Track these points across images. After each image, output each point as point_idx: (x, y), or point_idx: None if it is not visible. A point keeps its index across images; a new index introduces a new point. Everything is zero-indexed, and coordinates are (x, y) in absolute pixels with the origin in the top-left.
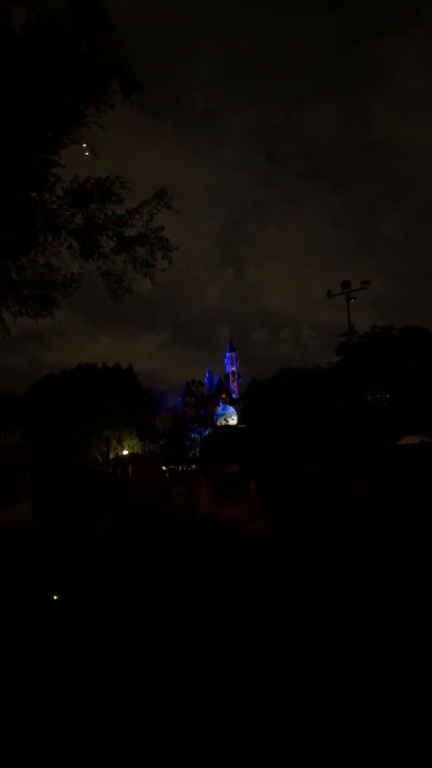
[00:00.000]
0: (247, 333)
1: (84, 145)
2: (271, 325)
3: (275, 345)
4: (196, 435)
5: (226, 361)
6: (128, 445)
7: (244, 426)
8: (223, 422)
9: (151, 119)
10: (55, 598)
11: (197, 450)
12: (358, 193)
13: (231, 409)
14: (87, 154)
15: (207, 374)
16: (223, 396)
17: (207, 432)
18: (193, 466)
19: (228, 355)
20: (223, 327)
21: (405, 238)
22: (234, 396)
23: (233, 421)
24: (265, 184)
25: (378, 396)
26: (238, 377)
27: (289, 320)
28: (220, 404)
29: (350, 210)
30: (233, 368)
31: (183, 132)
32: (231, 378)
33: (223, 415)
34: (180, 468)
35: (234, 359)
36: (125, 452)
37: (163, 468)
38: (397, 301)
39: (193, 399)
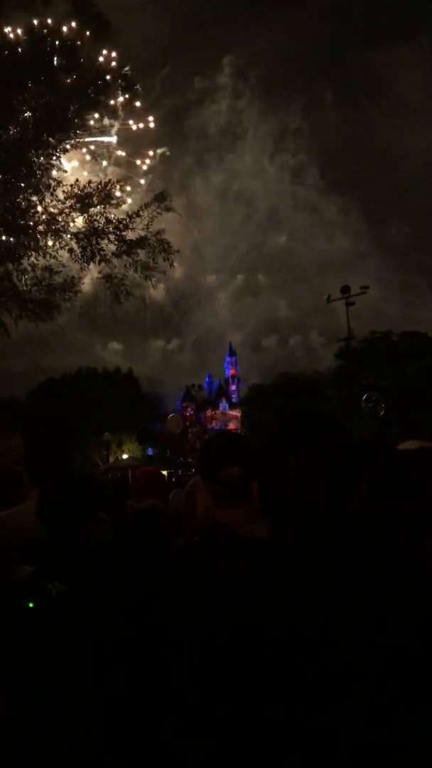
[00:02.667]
0: (250, 337)
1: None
2: (273, 330)
3: (275, 349)
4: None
5: (225, 366)
6: (128, 449)
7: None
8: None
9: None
10: (30, 605)
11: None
12: (365, 200)
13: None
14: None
15: (207, 378)
16: (223, 400)
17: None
18: (193, 470)
19: (228, 359)
20: (224, 331)
21: (408, 244)
22: (233, 400)
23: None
24: (272, 191)
25: (371, 405)
26: (238, 381)
27: (291, 325)
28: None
29: (356, 216)
30: (233, 372)
31: (189, 138)
32: (231, 382)
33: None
34: (179, 472)
35: (234, 363)
36: (125, 456)
37: (164, 472)
38: (397, 306)
39: (192, 403)
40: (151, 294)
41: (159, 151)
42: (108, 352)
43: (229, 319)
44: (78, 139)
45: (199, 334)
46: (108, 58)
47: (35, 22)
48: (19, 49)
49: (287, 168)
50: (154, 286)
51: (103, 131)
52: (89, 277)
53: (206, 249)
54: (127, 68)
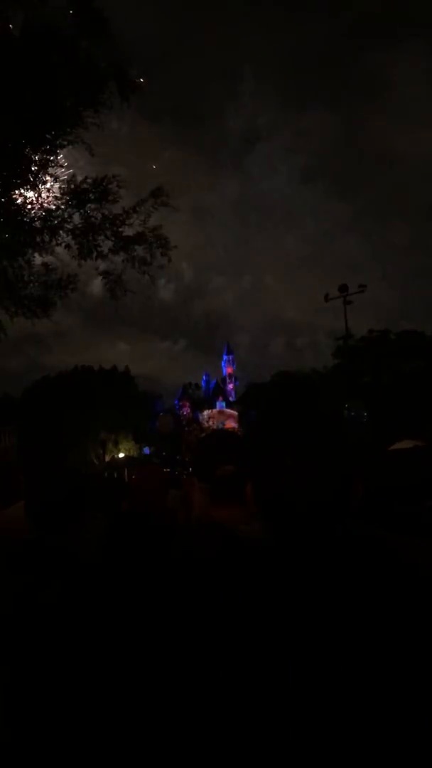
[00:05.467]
0: (256, 338)
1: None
2: (272, 329)
3: (281, 349)
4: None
5: (223, 364)
6: (124, 448)
7: (239, 429)
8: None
9: (154, 124)
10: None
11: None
12: (365, 202)
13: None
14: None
15: (204, 377)
16: (220, 398)
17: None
18: (190, 469)
19: (225, 357)
20: (231, 331)
21: (408, 244)
22: (231, 399)
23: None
24: (274, 190)
25: (354, 414)
26: (235, 380)
27: (297, 325)
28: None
29: (358, 218)
30: (230, 371)
31: (194, 140)
32: (228, 381)
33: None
34: (176, 471)
35: (231, 362)
36: (121, 455)
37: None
38: (397, 305)
39: (189, 401)
40: (160, 295)
41: (167, 153)
42: (115, 352)
43: (235, 320)
44: (74, 135)
45: (205, 335)
46: (107, 55)
47: (32, 16)
48: (16, 46)
49: (296, 170)
50: (153, 283)
51: (103, 128)
52: (98, 279)
53: (215, 251)
54: (132, 69)
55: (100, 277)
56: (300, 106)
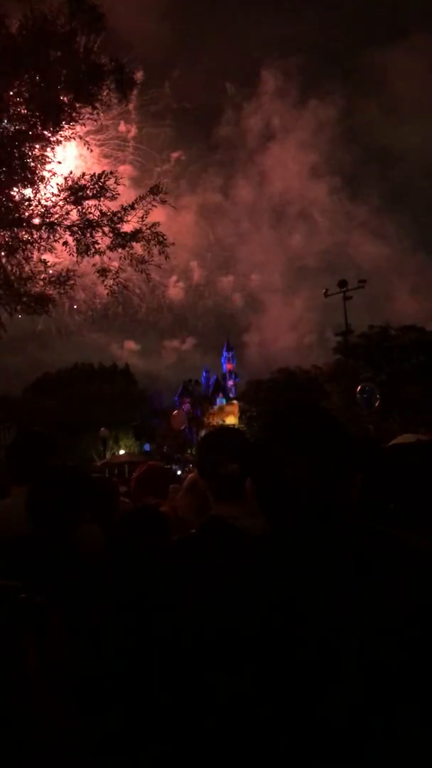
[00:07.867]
0: (257, 334)
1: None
2: (280, 327)
3: (283, 345)
4: (192, 435)
5: (222, 361)
6: (125, 445)
7: (240, 426)
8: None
9: (163, 123)
10: None
11: (193, 450)
12: (374, 199)
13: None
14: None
15: (204, 374)
16: (220, 395)
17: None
18: (190, 466)
19: (225, 354)
20: (231, 329)
21: (413, 240)
22: (231, 395)
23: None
24: (283, 189)
25: (366, 395)
26: (235, 377)
27: (298, 322)
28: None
29: (365, 215)
30: (230, 367)
31: (204, 139)
32: (228, 377)
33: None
34: (176, 468)
35: (231, 359)
36: (122, 452)
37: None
38: (396, 301)
39: (189, 398)
40: (169, 294)
41: (174, 154)
42: (123, 351)
43: (244, 318)
44: (72, 131)
45: (213, 333)
46: (104, 51)
47: (29, 12)
48: (14, 42)
49: (306, 168)
50: (148, 281)
51: (101, 129)
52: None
53: (224, 250)
54: (136, 68)
55: (99, 276)
56: (311, 104)
